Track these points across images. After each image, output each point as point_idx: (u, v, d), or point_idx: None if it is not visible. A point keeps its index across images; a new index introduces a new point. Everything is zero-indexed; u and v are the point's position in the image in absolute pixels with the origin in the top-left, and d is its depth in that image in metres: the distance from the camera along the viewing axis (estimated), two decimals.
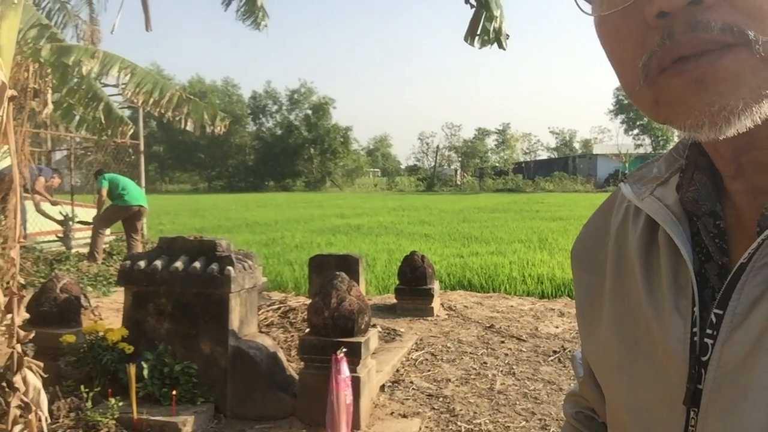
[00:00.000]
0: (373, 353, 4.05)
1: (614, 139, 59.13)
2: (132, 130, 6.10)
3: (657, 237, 0.64)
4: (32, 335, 2.46)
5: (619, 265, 0.68)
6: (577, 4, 0.55)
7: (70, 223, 9.84)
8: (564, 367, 4.88)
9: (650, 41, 0.49)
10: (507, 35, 5.96)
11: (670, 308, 0.59)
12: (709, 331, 0.55)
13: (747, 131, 0.48)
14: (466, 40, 5.84)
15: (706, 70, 0.47)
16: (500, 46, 5.97)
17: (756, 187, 0.56)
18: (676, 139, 0.61)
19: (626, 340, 0.64)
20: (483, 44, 5.88)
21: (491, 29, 5.74)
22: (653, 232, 0.65)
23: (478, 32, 5.79)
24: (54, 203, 9.83)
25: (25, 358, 2.34)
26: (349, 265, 6.12)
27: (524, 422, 3.86)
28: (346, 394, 3.40)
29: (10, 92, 1.65)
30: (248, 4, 6.46)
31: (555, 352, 5.22)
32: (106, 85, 6.84)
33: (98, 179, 9.08)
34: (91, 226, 9.27)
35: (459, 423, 3.83)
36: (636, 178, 0.68)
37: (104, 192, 8.94)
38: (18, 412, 2.39)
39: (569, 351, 5.21)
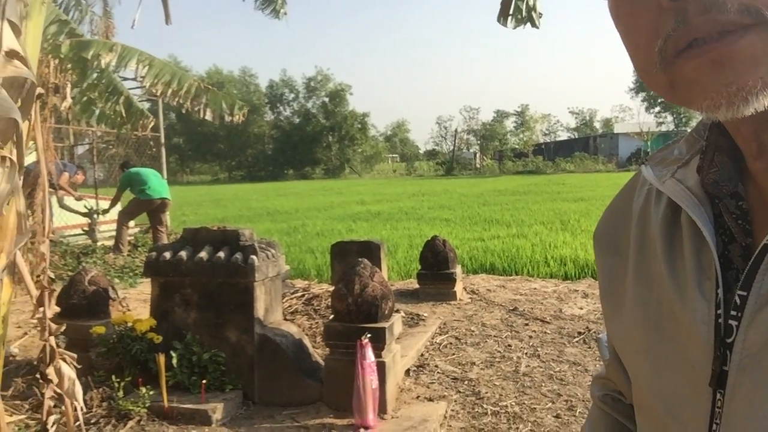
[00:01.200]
0: (398, 338, 4.07)
1: (635, 117, 58.24)
2: (152, 123, 6.17)
3: (679, 219, 0.63)
4: (63, 327, 2.51)
5: (641, 248, 0.68)
6: None
7: (95, 216, 9.98)
8: (589, 348, 4.87)
9: (665, 24, 0.49)
10: (540, 13, 5.85)
11: (693, 290, 0.59)
12: (733, 313, 0.55)
13: (767, 109, 0.47)
14: (498, 20, 5.74)
15: (723, 51, 0.47)
16: (533, 24, 5.86)
17: None
18: (698, 117, 0.61)
19: (650, 322, 0.64)
20: (517, 24, 5.78)
21: (524, 8, 5.64)
22: (675, 214, 0.64)
23: (511, 12, 5.70)
24: (78, 198, 9.98)
25: (58, 349, 2.39)
26: (370, 251, 6.15)
27: (550, 404, 3.87)
28: (371, 379, 3.43)
29: (37, 90, 1.68)
30: None
31: (580, 333, 5.21)
32: (125, 79, 6.92)
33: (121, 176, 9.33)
34: (112, 218, 9.50)
35: (485, 406, 3.85)
36: (657, 160, 0.68)
37: (119, 195, 9.40)
38: (52, 403, 2.45)
39: (594, 332, 5.19)
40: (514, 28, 5.82)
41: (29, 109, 1.67)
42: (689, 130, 0.69)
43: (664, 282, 0.63)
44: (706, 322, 0.57)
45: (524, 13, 5.70)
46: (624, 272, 0.70)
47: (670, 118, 52.59)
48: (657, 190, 0.68)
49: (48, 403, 2.45)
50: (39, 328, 2.40)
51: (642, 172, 0.70)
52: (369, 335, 3.52)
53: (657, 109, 53.33)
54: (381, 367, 3.57)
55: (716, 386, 0.56)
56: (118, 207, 9.64)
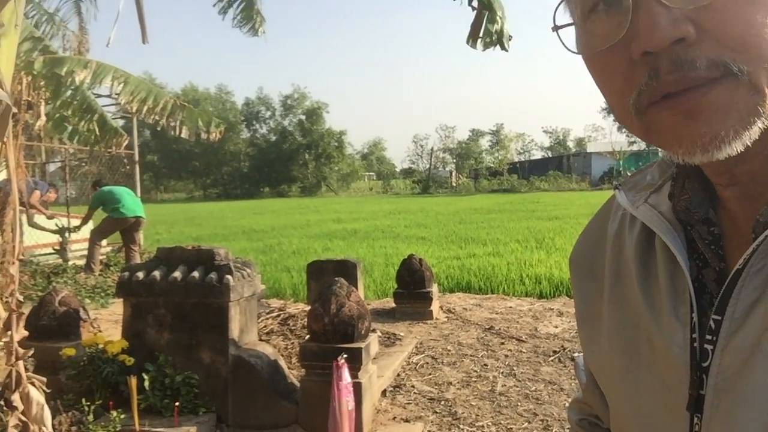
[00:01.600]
0: (374, 358, 4.05)
1: (608, 136, 59.13)
2: (127, 141, 6.10)
3: (653, 244, 0.64)
4: (32, 352, 2.44)
5: (617, 272, 0.69)
6: (565, 45, 0.56)
7: (66, 234, 9.81)
8: (564, 366, 4.89)
9: (637, 77, 0.51)
10: (510, 36, 5.95)
11: (669, 315, 0.60)
12: (708, 337, 0.56)
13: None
14: (468, 42, 5.83)
15: (695, 103, 0.49)
16: (502, 47, 5.96)
17: (749, 194, 0.57)
18: None
19: (627, 347, 0.65)
20: (486, 46, 5.87)
21: (493, 30, 5.74)
22: (650, 239, 0.65)
23: (480, 35, 5.79)
24: (50, 216, 9.81)
25: (27, 373, 2.33)
26: (347, 270, 6.13)
27: (527, 423, 3.87)
28: (348, 400, 3.40)
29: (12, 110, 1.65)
30: (246, 11, 6.46)
31: (555, 352, 5.23)
32: (99, 96, 6.84)
33: (93, 195, 9.19)
34: (84, 236, 9.34)
35: (461, 426, 3.83)
36: (630, 185, 0.69)
37: (90, 213, 9.29)
38: (17, 431, 2.38)
39: (569, 351, 5.22)
40: (483, 50, 5.92)
41: (4, 131, 1.64)
42: (661, 155, 0.70)
43: (640, 306, 0.63)
44: (682, 347, 0.58)
45: (494, 36, 5.79)
46: (600, 296, 0.71)
47: None
48: (631, 214, 0.68)
49: (12, 431, 2.38)
50: (6, 352, 2.34)
51: (616, 197, 0.71)
52: (345, 356, 3.49)
53: None
54: (357, 388, 3.54)
55: (693, 410, 0.56)
56: (90, 225, 9.49)
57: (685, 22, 0.47)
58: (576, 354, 5.09)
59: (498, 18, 5.69)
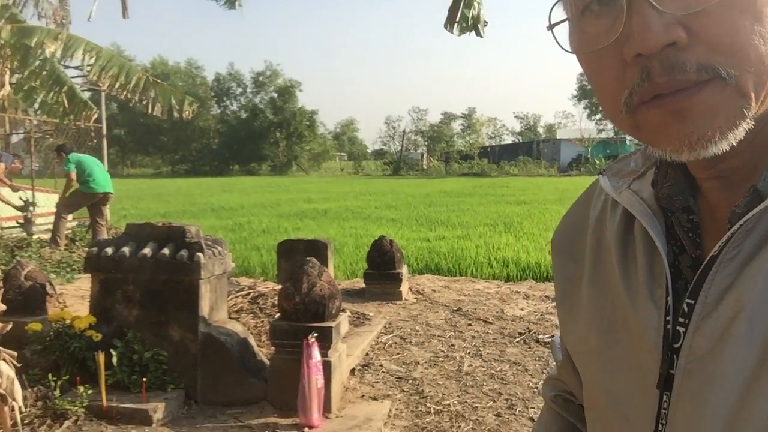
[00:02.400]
0: (344, 337, 4.09)
1: (577, 123, 59.97)
2: (96, 114, 5.98)
3: (633, 229, 0.67)
4: (10, 326, 2.42)
5: (597, 255, 0.71)
6: (559, 44, 0.58)
7: (31, 208, 9.59)
8: (529, 348, 5.00)
9: (629, 77, 0.53)
10: (485, 22, 5.98)
11: (645, 297, 0.62)
12: (681, 320, 0.59)
13: None
14: (445, 27, 5.85)
15: (684, 104, 0.51)
16: (478, 33, 5.99)
17: (729, 186, 0.60)
18: None
19: (604, 326, 0.68)
20: (462, 31, 5.90)
21: (470, 16, 5.76)
22: (630, 224, 0.68)
23: (457, 19, 5.81)
24: (15, 189, 9.57)
25: None
26: (318, 250, 6.14)
27: (491, 402, 3.96)
28: (317, 378, 3.44)
29: None
30: None
31: (520, 333, 5.34)
32: (67, 67, 6.67)
33: (64, 160, 8.70)
34: (49, 210, 9.00)
35: (428, 405, 3.91)
36: (614, 171, 0.72)
37: (73, 175, 8.56)
38: None
39: (534, 333, 5.33)
40: (459, 35, 5.94)
41: None
42: (629, 142, 0.73)
43: (618, 288, 0.66)
44: (655, 328, 0.61)
45: (469, 21, 5.82)
46: (580, 277, 0.74)
47: (610, 126, 54.20)
48: (613, 200, 0.71)
49: None
50: None
51: (599, 182, 0.73)
52: (316, 334, 3.52)
53: (598, 116, 54.93)
54: (327, 367, 3.58)
55: (663, 388, 0.59)
56: (55, 198, 9.25)
57: (677, 26, 0.50)
58: (549, 336, 5.21)
59: (475, 3, 5.71)
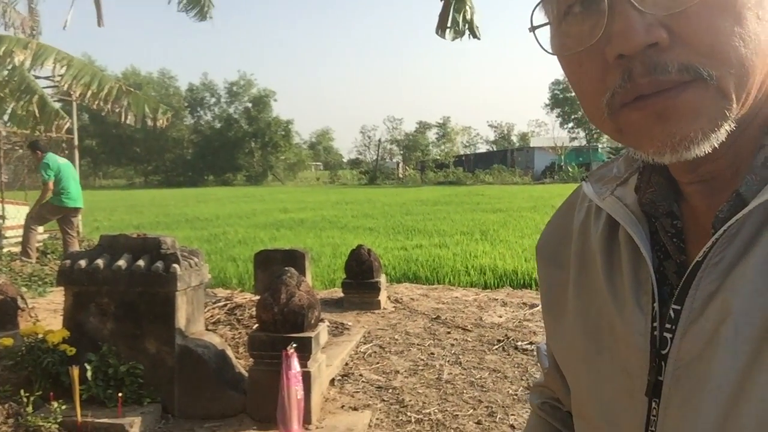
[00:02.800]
0: (323, 348, 4.06)
1: (550, 132, 60.73)
2: (68, 124, 5.88)
3: (618, 235, 0.67)
4: None
5: (582, 261, 0.71)
6: (541, 46, 0.57)
7: (0, 221, 9.39)
8: (508, 355, 5.01)
9: (611, 79, 0.53)
10: (477, 27, 5.96)
11: (631, 304, 0.62)
12: (668, 326, 0.59)
13: None
14: (437, 32, 5.83)
15: (666, 105, 0.51)
16: (474, 35, 5.95)
17: (711, 190, 0.60)
18: None
19: (590, 333, 0.67)
20: (455, 36, 5.86)
21: (460, 20, 5.75)
22: (614, 229, 0.67)
23: (449, 24, 5.79)
24: None
25: None
26: (295, 260, 6.11)
27: (472, 410, 3.96)
28: (297, 389, 3.41)
29: None
30: None
31: (499, 341, 5.35)
32: (38, 77, 6.56)
33: (42, 164, 8.22)
34: (19, 222, 8.79)
35: (409, 413, 3.89)
36: (597, 178, 0.71)
37: (51, 185, 8.25)
38: None
39: (513, 340, 5.35)
40: (453, 40, 5.92)
41: None
42: (601, 150, 0.72)
43: (604, 295, 0.66)
44: (642, 334, 0.60)
45: (462, 26, 5.81)
46: (565, 284, 0.73)
47: (582, 134, 54.95)
48: (597, 206, 0.71)
49: None
50: None
51: (582, 189, 0.73)
52: (295, 345, 3.50)
53: (570, 124, 55.64)
54: (306, 377, 3.55)
55: (652, 395, 0.59)
56: (25, 210, 9.06)
57: (659, 27, 0.50)
58: (527, 343, 5.23)
59: (466, 8, 5.70)
